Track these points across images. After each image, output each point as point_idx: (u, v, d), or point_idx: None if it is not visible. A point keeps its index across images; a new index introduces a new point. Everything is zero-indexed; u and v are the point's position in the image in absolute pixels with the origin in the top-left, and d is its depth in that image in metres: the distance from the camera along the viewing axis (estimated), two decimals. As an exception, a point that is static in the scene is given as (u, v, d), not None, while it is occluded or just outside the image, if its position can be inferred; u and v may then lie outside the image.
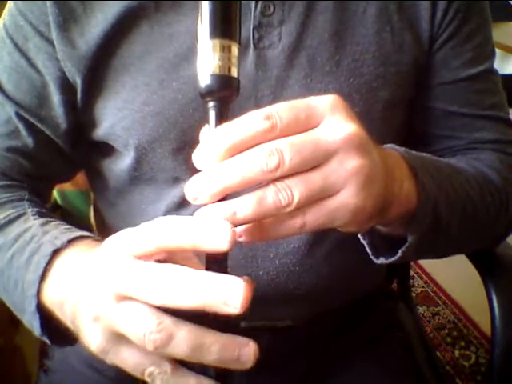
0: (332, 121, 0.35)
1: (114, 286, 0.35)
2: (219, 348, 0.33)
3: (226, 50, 0.36)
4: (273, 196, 0.34)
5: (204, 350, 0.33)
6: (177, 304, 0.32)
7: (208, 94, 0.36)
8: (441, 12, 0.57)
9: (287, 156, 0.33)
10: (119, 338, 0.35)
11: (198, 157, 0.34)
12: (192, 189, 0.34)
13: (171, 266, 0.33)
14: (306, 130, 0.34)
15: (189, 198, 0.34)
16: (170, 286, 0.32)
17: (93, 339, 0.36)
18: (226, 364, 0.33)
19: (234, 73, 0.37)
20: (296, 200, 0.34)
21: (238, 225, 0.34)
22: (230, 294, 0.31)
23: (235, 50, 0.37)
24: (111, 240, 0.37)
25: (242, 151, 0.34)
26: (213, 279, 0.32)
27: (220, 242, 0.32)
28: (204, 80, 0.36)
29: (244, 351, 0.33)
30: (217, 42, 0.36)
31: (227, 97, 0.37)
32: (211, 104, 0.37)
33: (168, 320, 0.33)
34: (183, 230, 0.33)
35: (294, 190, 0.34)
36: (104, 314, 0.35)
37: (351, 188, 0.35)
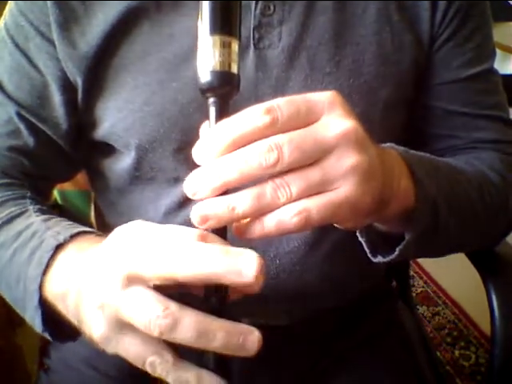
0: (330, 117, 0.35)
1: (125, 265, 0.34)
2: (224, 334, 0.33)
3: (226, 46, 0.36)
4: (271, 192, 0.34)
5: (209, 336, 0.33)
6: (190, 273, 0.32)
7: (208, 90, 0.36)
8: (441, 12, 0.57)
9: (286, 152, 0.33)
10: (122, 327, 0.36)
11: (197, 152, 0.35)
12: (191, 184, 0.34)
13: (185, 240, 0.34)
14: (306, 125, 0.35)
15: (188, 193, 0.35)
16: (184, 256, 0.33)
17: (96, 327, 0.36)
18: (231, 351, 0.33)
19: (234, 69, 0.37)
20: (294, 196, 0.34)
21: (236, 220, 0.35)
22: (245, 264, 0.32)
23: (235, 46, 0.37)
24: (122, 233, 0.37)
25: (242, 146, 0.34)
26: (227, 250, 0.33)
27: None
28: (204, 76, 0.36)
29: (249, 338, 0.33)
30: (217, 38, 0.36)
31: (227, 93, 0.37)
32: (211, 100, 0.37)
33: (174, 306, 0.33)
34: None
35: (292, 187, 0.34)
36: (109, 300, 0.35)
37: (350, 184, 0.35)
